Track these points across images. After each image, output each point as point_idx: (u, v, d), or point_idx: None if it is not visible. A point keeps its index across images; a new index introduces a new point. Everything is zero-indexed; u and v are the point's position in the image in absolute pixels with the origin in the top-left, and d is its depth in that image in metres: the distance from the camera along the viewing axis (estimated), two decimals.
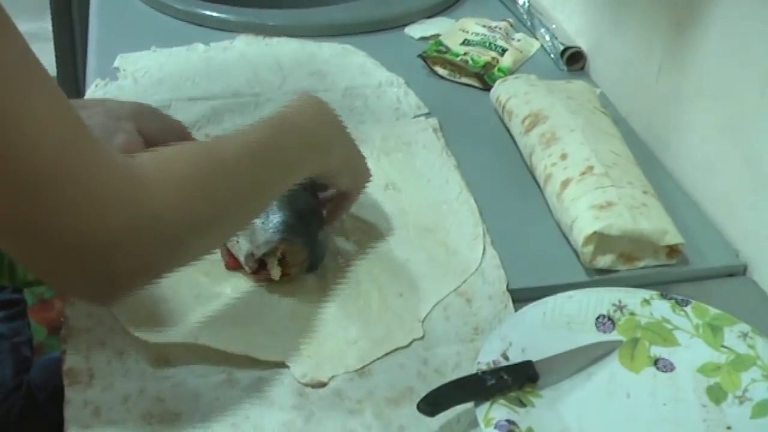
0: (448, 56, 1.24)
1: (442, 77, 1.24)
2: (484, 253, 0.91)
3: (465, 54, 1.24)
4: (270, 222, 0.84)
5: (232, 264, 0.86)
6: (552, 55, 1.31)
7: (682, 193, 1.03)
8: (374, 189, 0.99)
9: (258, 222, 0.84)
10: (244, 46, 1.28)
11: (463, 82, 1.23)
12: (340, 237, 0.92)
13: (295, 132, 0.77)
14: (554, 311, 0.82)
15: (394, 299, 0.86)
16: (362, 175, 0.88)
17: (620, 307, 0.84)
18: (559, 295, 0.84)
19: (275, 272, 0.84)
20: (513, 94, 1.11)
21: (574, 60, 1.28)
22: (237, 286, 0.85)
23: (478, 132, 1.13)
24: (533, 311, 0.82)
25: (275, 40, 1.29)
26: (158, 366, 0.78)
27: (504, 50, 1.27)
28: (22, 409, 1.15)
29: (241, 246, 0.84)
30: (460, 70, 1.24)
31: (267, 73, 1.22)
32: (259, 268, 0.84)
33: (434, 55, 1.25)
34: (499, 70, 1.23)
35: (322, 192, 0.90)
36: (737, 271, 0.93)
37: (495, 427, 0.70)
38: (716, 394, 0.77)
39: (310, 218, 0.88)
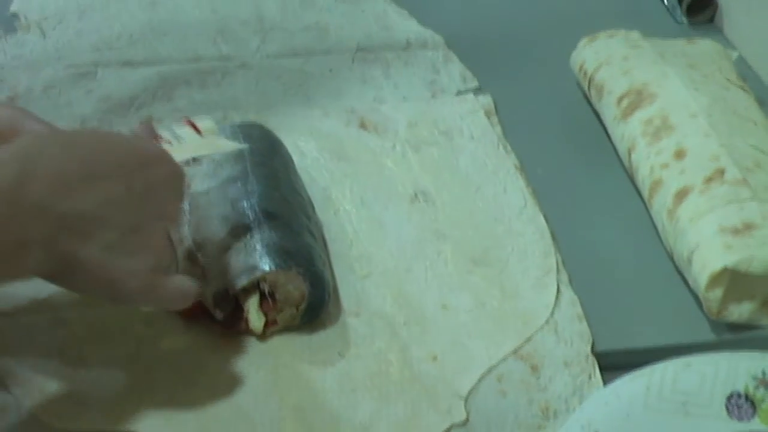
0: None
1: None
2: (558, 298, 0.93)
3: None
4: (254, 242, 0.86)
5: (189, 310, 0.86)
6: (666, 1, 1.32)
7: None
8: (397, 199, 1.01)
9: (236, 242, 0.86)
10: None
11: None
12: (343, 270, 0.94)
13: None
14: (663, 386, 0.82)
15: (425, 364, 0.87)
16: (128, 281, 0.77)
17: (765, 383, 0.84)
18: (671, 362, 0.84)
19: (256, 320, 0.85)
20: (605, 61, 1.12)
21: (698, 7, 1.29)
22: (195, 342, 0.87)
23: (552, 116, 1.15)
24: (632, 386, 0.82)
25: None
26: None
27: None
28: None
29: (209, 280, 0.85)
30: None
31: (241, 28, 1.24)
32: (232, 314, 0.86)
33: None
34: None
35: None
36: None
37: None
38: None
39: (312, 240, 0.90)
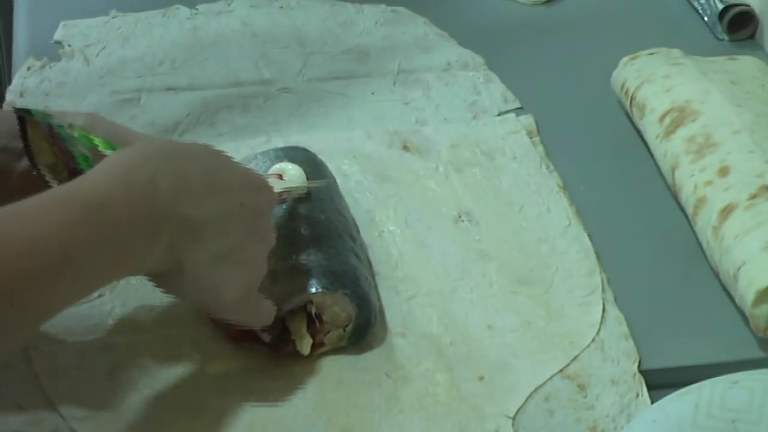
0: None
1: None
2: (603, 317, 0.93)
3: None
4: (300, 264, 0.87)
5: (236, 333, 0.88)
6: (706, 18, 1.32)
7: None
8: (440, 220, 1.02)
9: (283, 265, 0.87)
10: (247, 11, 1.31)
11: None
12: (388, 292, 0.95)
13: (99, 221, 0.72)
14: (711, 404, 0.82)
15: (471, 384, 0.87)
16: (227, 292, 0.81)
17: None
18: (719, 379, 0.84)
19: (304, 342, 0.86)
20: (647, 79, 1.13)
21: (739, 24, 1.29)
22: (242, 365, 0.87)
23: (594, 135, 1.16)
24: (680, 404, 0.82)
25: (294, 1, 1.33)
26: None
27: None
28: None
29: None
30: None
31: (282, 52, 1.25)
32: (279, 336, 0.87)
33: None
34: None
35: None
36: None
37: None
38: None
39: (358, 262, 0.91)
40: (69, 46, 1.24)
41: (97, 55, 1.23)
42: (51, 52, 1.23)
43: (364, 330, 0.88)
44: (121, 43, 1.25)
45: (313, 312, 0.86)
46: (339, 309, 0.86)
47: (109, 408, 0.83)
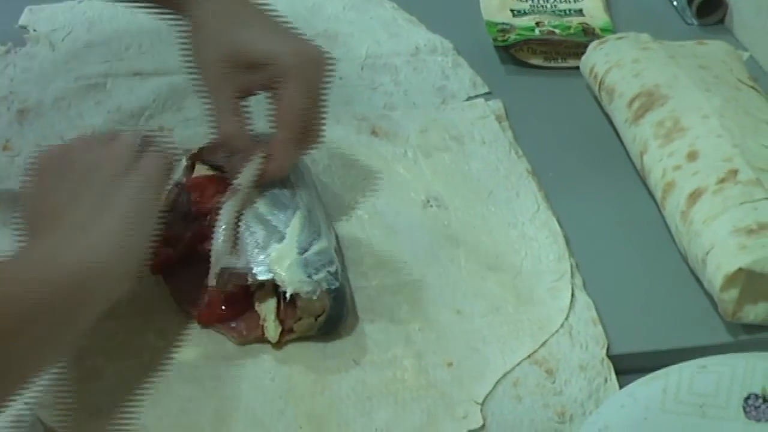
0: (521, 34, 1.24)
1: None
2: (572, 302, 0.93)
3: (538, 25, 1.26)
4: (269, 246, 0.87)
5: (207, 316, 0.88)
6: (675, 2, 1.33)
7: None
8: (409, 205, 1.01)
9: (272, 236, 0.87)
10: None
11: (565, 66, 1.24)
12: (357, 278, 0.94)
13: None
14: (679, 388, 0.83)
15: (440, 370, 0.87)
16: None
17: None
18: (687, 363, 0.84)
19: (272, 329, 0.86)
20: (615, 63, 1.13)
21: (708, 8, 1.30)
22: (209, 352, 0.87)
23: (563, 120, 1.16)
24: (648, 389, 0.83)
25: None
26: None
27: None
28: None
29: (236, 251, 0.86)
30: (555, 50, 1.25)
31: None
32: (248, 324, 0.87)
33: (514, 40, 1.24)
34: (603, 30, 1.24)
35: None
36: None
37: None
38: None
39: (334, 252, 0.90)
40: (34, 30, 1.24)
41: (63, 40, 1.22)
42: (16, 37, 1.23)
43: (335, 322, 0.88)
44: (87, 28, 1.24)
45: (288, 294, 0.85)
46: (315, 297, 0.86)
47: (73, 395, 0.83)
